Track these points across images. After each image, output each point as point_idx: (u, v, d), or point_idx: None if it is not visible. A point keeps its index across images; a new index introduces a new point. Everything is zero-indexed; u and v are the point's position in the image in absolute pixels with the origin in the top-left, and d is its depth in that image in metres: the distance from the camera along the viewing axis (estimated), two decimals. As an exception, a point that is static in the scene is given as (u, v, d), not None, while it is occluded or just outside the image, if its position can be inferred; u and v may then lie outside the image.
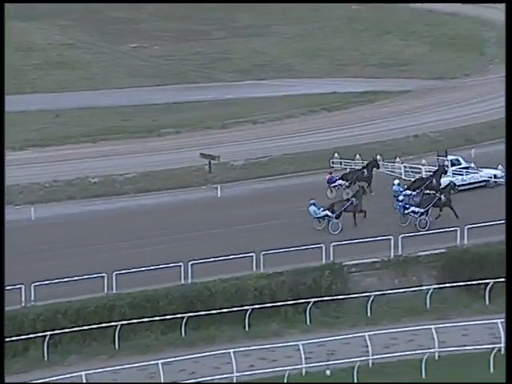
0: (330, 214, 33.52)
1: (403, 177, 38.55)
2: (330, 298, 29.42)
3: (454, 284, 29.97)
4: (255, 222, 35.21)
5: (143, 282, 28.98)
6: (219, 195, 39.79)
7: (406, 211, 32.96)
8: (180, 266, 29.66)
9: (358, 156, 41.48)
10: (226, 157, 43.69)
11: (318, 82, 59.50)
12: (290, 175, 42.14)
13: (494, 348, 26.00)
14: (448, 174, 36.83)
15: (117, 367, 25.50)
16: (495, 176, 37.70)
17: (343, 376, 25.62)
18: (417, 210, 32.71)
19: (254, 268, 30.26)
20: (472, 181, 37.62)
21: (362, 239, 30.95)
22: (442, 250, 31.10)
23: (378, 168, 38.19)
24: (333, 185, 37.39)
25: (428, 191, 34.85)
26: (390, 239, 30.98)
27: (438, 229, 31.73)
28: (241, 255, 30.24)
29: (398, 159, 40.47)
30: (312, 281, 29.76)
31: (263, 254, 30.33)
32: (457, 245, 31.36)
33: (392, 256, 30.98)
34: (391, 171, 39.58)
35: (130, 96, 57.82)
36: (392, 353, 26.28)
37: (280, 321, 28.99)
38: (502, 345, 26.19)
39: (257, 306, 28.75)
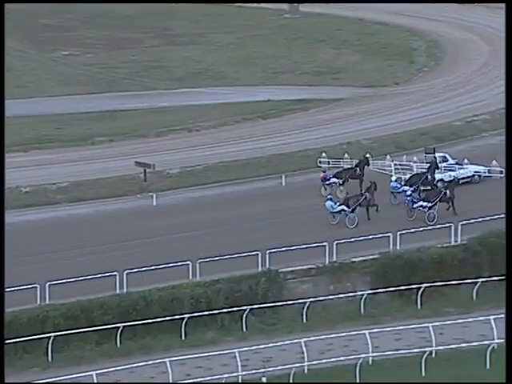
0: (345, 208, 34.45)
1: (393, 174, 39.70)
2: (266, 305, 29.54)
3: (387, 289, 30.37)
4: (191, 231, 35.12)
5: (77, 293, 28.61)
6: (154, 204, 39.58)
7: (415, 205, 34.07)
8: (115, 275, 29.39)
9: (346, 155, 42.30)
10: (161, 165, 43.48)
11: (252, 90, 59.67)
12: (226, 183, 42.17)
13: (425, 352, 26.43)
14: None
15: (50, 379, 25.11)
16: (479, 172, 39.22)
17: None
18: (425, 204, 33.87)
19: (191, 276, 30.18)
20: (460, 177, 38.95)
21: (297, 246, 31.12)
22: (375, 256, 31.55)
23: (369, 166, 39.18)
24: (327, 183, 38.52)
25: (424, 187, 36.26)
26: (324, 245, 31.27)
27: (371, 235, 32.11)
28: (177, 264, 30.13)
29: (388, 157, 41.90)
30: (248, 288, 29.84)
31: (199, 262, 30.28)
32: (389, 250, 31.83)
33: (327, 262, 31.26)
34: (381, 169, 40.78)
35: (63, 104, 57.10)
36: (327, 358, 26.49)
37: (216, 329, 28.98)
38: (433, 348, 26.63)
39: (193, 315, 28.69)
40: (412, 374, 26.05)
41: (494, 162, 39.95)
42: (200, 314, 28.68)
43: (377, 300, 30.43)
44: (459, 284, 30.45)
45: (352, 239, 31.61)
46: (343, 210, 34.69)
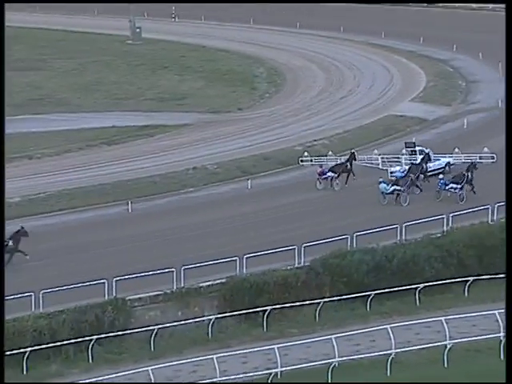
0: (397, 188, 38.96)
1: (380, 167, 44.20)
2: (112, 334, 29.04)
3: (235, 313, 30.56)
4: (33, 261, 34.10)
5: None
6: (-6, 234, 38.15)
7: (447, 187, 38.98)
8: (-49, 310, 28.04)
9: (330, 152, 46.71)
10: (2, 194, 42.01)
11: (96, 116, 58.84)
12: (70, 211, 41.25)
13: (271, 373, 26.72)
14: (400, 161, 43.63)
15: None
16: (449, 163, 43.49)
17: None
18: (455, 186, 38.79)
19: (33, 308, 29.24)
20: (436, 167, 43.03)
21: (145, 273, 30.82)
22: (223, 280, 31.67)
23: (356, 160, 43.55)
24: (323, 177, 42.51)
25: (421, 174, 41.10)
26: (172, 271, 31.14)
27: (220, 259, 32.25)
28: (18, 295, 29.13)
29: (375, 151, 46.69)
30: (94, 318, 29.24)
31: (43, 293, 29.41)
32: (236, 274, 32.04)
33: (175, 288, 31.12)
34: (368, 162, 45.10)
35: None
36: (175, 385, 26.33)
37: (61, 361, 28.18)
38: (278, 369, 26.99)
39: (35, 348, 27.79)
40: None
41: (486, 149, 44.52)
42: (43, 346, 27.84)
43: (224, 324, 30.54)
44: (302, 305, 31.05)
45: (200, 264, 31.64)
46: (395, 189, 38.93)
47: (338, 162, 43.93)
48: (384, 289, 31.72)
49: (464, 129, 52.65)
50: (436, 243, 33.34)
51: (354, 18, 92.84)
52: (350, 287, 32.10)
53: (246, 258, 32.24)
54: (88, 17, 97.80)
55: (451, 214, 35.24)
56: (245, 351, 27.88)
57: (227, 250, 33.75)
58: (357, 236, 33.89)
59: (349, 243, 33.84)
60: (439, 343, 27.48)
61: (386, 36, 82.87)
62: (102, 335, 28.70)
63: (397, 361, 27.33)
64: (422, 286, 31.90)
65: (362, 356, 27.69)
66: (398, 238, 34.27)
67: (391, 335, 27.35)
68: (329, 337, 27.68)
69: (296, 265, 32.85)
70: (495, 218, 35.71)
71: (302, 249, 33.00)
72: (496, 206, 35.90)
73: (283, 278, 31.73)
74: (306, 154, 46.90)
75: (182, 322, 30.00)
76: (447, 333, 27.33)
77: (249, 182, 43.97)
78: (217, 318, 30.32)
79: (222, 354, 27.25)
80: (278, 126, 56.14)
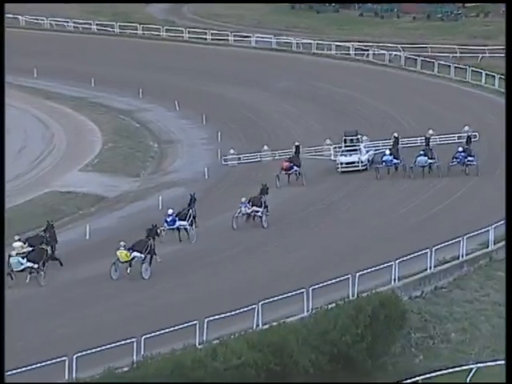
0: (431, 160, 49.53)
1: (332, 158, 50.36)
2: None
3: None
4: None
5: None
6: None
7: (466, 160, 49.25)
8: None
9: (265, 147, 51.96)
10: None
11: None
12: None
13: None
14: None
15: None
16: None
17: None
18: (471, 158, 49.26)
19: None
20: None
21: None
22: None
23: (300, 154, 49.87)
24: (291, 172, 48.25)
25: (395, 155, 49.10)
26: None
27: None
28: None
29: (328, 141, 52.04)
30: None
31: None
32: None
33: None
34: (316, 155, 51.18)
35: None
36: None
37: None
38: None
39: None
40: None
41: (466, 128, 52.34)
42: None
43: None
44: None
45: None
46: (429, 162, 49.20)
47: (276, 156, 50.61)
48: None
49: (159, 210, 44.26)
50: (121, 382, 26.67)
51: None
52: None
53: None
54: None
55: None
56: None
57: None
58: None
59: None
60: None
61: (39, 75, 68.96)
62: None
63: None
64: None
65: None
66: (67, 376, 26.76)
67: None
68: None
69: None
70: (204, 338, 28.78)
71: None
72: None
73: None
74: (232, 151, 51.44)
75: None
76: None
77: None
78: None
79: None
80: None
